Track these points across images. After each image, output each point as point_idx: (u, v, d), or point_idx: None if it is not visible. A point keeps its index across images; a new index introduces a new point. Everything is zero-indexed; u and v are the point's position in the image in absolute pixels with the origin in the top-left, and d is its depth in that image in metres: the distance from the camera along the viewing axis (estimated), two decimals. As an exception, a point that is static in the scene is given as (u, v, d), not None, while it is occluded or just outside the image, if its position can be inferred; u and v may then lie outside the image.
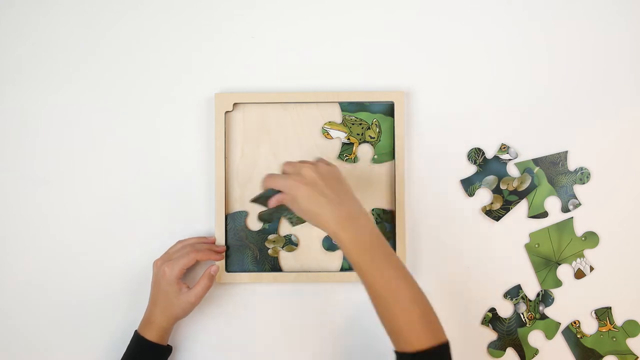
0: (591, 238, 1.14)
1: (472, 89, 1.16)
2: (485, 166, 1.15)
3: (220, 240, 1.12)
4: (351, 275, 1.12)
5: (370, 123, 1.14)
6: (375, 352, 1.13)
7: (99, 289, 1.14)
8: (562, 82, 1.16)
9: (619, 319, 1.14)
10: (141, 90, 1.16)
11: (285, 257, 1.14)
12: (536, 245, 1.14)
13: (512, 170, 1.15)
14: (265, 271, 1.13)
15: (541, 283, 1.14)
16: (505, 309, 1.14)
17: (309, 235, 1.14)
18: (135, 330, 1.07)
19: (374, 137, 1.14)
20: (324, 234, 1.14)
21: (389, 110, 1.14)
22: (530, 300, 1.14)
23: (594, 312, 1.14)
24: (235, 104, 1.13)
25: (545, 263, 1.14)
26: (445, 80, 1.16)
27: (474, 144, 1.15)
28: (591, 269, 1.14)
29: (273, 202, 0.99)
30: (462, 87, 1.16)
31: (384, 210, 1.14)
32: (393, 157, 1.14)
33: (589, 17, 1.16)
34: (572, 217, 1.14)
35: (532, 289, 1.14)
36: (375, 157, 1.14)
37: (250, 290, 1.14)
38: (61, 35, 1.16)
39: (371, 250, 0.94)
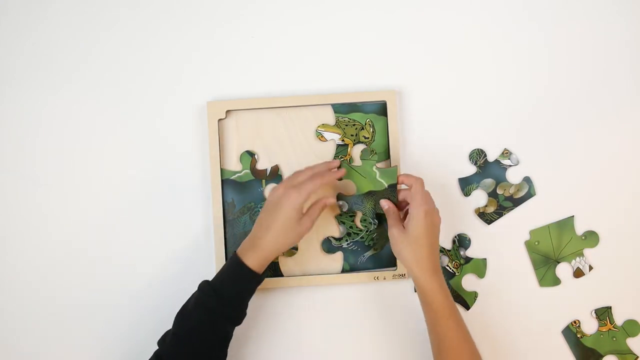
0: (591, 237, 1.14)
1: (469, 88, 1.16)
2: (485, 168, 1.15)
3: (220, 245, 1.12)
4: (352, 277, 1.13)
5: (363, 123, 1.14)
6: (377, 352, 1.14)
7: (98, 289, 1.14)
8: (562, 82, 1.16)
9: (619, 318, 1.14)
10: (136, 98, 1.16)
11: (286, 262, 1.14)
12: (536, 243, 1.14)
13: (511, 176, 1.15)
14: (266, 277, 1.13)
15: (540, 281, 1.14)
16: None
17: (308, 239, 1.14)
18: (235, 254, 1.02)
19: (368, 137, 1.14)
20: (322, 237, 1.14)
21: (381, 109, 1.14)
22: (449, 250, 1.14)
23: (594, 312, 1.14)
24: (227, 111, 1.13)
25: (545, 261, 1.14)
26: (441, 79, 1.16)
27: (472, 143, 1.15)
28: (590, 268, 1.14)
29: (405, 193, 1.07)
30: (458, 86, 1.16)
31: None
32: (388, 157, 1.14)
33: (589, 17, 1.16)
34: (573, 216, 1.14)
35: (445, 240, 1.15)
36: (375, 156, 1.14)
37: (252, 297, 1.14)
38: (59, 38, 1.16)
39: (449, 301, 1.03)
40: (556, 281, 1.14)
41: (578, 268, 1.14)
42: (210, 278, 1.03)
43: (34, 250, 1.14)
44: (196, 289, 1.02)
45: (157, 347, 1.01)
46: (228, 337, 1.02)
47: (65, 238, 1.14)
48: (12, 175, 1.15)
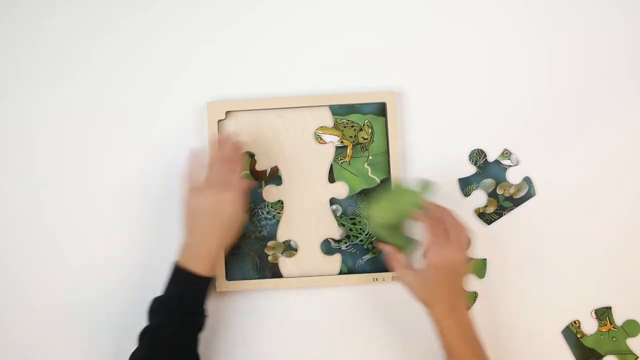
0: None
1: (469, 88, 1.16)
2: (485, 168, 1.15)
3: None
4: (351, 278, 1.13)
5: (362, 124, 1.14)
6: (377, 354, 1.14)
7: (98, 289, 1.14)
8: (562, 82, 1.16)
9: (619, 319, 1.14)
10: (136, 99, 1.16)
11: (285, 263, 1.14)
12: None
13: (511, 176, 1.15)
14: (265, 278, 1.13)
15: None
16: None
17: (308, 240, 1.14)
18: (182, 267, 1.02)
19: (366, 138, 1.14)
20: (322, 238, 1.14)
21: (380, 110, 1.14)
22: None
23: (594, 312, 1.14)
24: (227, 112, 1.13)
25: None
26: (440, 79, 1.16)
27: (472, 143, 1.15)
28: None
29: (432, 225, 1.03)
30: (458, 86, 1.16)
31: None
32: (388, 157, 1.13)
33: (589, 17, 1.16)
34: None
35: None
36: (370, 158, 1.14)
37: (251, 298, 1.14)
38: (59, 38, 1.16)
39: (469, 342, 1.00)
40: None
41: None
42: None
43: (34, 250, 1.14)
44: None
45: None
46: (197, 343, 1.04)
47: (65, 237, 1.14)
48: (12, 175, 1.15)
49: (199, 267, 1.02)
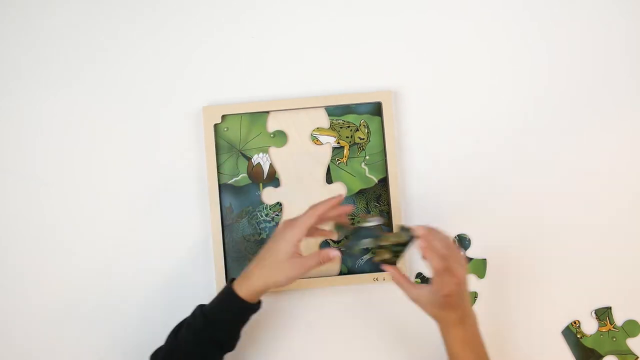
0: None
1: (467, 87, 1.16)
2: None
3: (218, 250, 1.12)
4: (350, 279, 1.13)
5: (358, 124, 1.14)
6: (378, 353, 1.14)
7: (96, 294, 1.14)
8: (561, 83, 1.16)
9: (619, 319, 1.14)
10: (131, 105, 1.16)
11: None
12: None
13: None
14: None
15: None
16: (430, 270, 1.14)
17: (307, 241, 1.13)
18: (230, 281, 1.02)
19: (363, 138, 1.14)
20: (321, 239, 1.14)
21: (375, 110, 1.14)
22: None
23: (594, 312, 1.14)
24: (223, 116, 1.13)
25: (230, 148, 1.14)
26: (437, 79, 1.16)
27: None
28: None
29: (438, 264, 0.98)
30: (456, 86, 1.16)
31: (380, 212, 1.14)
32: (385, 157, 1.13)
33: (589, 17, 1.16)
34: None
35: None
36: (367, 157, 1.14)
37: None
38: (59, 39, 1.16)
39: (473, 349, 1.00)
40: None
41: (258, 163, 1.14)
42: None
43: (34, 250, 1.15)
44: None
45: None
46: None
47: (65, 237, 1.15)
48: (12, 175, 1.15)
49: (241, 289, 1.00)
